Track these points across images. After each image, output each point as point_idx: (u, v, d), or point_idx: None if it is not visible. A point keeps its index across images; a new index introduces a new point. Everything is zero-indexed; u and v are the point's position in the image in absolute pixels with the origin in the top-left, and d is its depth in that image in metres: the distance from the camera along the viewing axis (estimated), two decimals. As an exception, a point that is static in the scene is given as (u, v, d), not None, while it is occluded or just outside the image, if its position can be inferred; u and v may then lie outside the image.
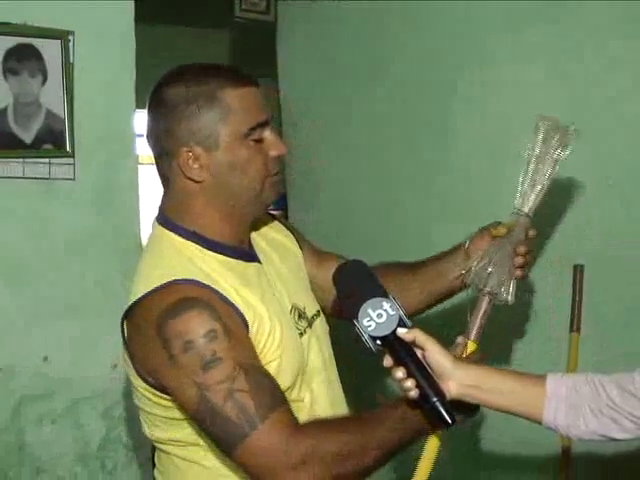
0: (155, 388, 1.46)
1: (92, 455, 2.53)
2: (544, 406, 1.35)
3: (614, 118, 2.23)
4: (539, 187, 1.64)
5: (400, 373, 1.33)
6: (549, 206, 2.34)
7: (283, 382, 1.48)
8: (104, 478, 2.56)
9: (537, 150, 1.64)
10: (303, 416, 1.51)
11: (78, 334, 2.49)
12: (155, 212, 1.61)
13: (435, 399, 1.31)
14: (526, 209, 1.65)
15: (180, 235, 1.52)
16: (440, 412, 1.31)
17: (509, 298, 1.61)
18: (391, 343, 1.34)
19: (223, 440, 1.39)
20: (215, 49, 4.48)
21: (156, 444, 1.59)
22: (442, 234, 2.68)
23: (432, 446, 1.51)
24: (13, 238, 2.41)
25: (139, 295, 1.44)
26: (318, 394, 1.61)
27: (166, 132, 1.50)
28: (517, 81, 2.42)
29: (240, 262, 1.55)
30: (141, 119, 2.84)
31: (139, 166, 2.73)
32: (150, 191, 4.82)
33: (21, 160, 2.39)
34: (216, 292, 1.42)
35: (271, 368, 1.47)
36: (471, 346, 1.58)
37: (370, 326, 1.34)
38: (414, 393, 1.32)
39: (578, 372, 2.18)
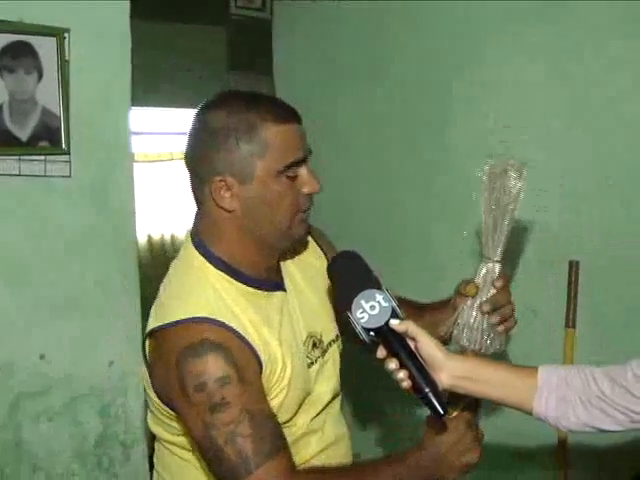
0: (167, 406, 1.50)
1: (89, 452, 2.54)
2: (535, 397, 1.36)
3: (614, 118, 2.23)
4: (504, 231, 1.56)
5: (393, 364, 1.34)
6: (549, 206, 2.36)
7: (283, 415, 1.52)
8: (101, 475, 2.56)
9: (492, 197, 1.55)
10: (295, 437, 1.55)
11: (75, 332, 2.49)
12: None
13: (427, 389, 1.31)
14: (496, 256, 1.58)
15: (210, 262, 1.54)
16: (432, 402, 1.31)
17: (497, 348, 1.58)
18: (384, 334, 1.35)
19: (221, 476, 1.44)
20: (211, 46, 4.46)
21: (160, 440, 1.63)
22: (441, 234, 2.70)
23: None
24: (9, 236, 2.40)
25: (166, 321, 1.47)
26: (316, 418, 1.63)
27: (203, 157, 1.51)
28: (517, 81, 2.43)
29: (264, 293, 1.56)
30: (137, 116, 2.83)
31: (135, 164, 2.72)
32: (145, 189, 4.84)
33: (17, 157, 2.38)
34: (236, 333, 1.45)
35: (274, 402, 1.50)
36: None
37: (363, 318, 1.34)
38: (406, 384, 1.33)
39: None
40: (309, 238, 1.78)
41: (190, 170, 1.56)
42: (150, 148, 5.15)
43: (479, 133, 2.53)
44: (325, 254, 1.78)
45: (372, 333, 1.35)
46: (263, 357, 1.47)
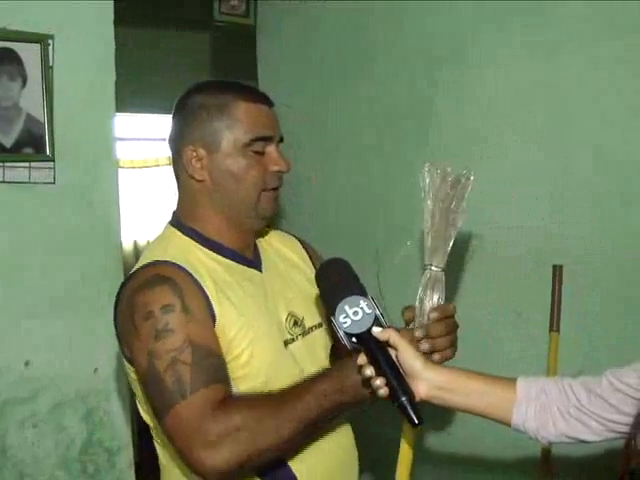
0: (127, 359, 1.57)
1: (74, 459, 2.53)
2: (513, 409, 1.36)
3: (609, 118, 2.22)
4: (450, 237, 1.55)
5: (369, 371, 1.34)
6: (537, 209, 2.36)
7: (254, 381, 1.56)
8: (86, 482, 2.55)
9: (436, 202, 1.55)
10: None
11: (60, 337, 2.49)
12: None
13: (404, 399, 1.30)
14: (441, 264, 1.56)
15: (182, 232, 1.66)
16: (408, 412, 1.30)
17: None
18: (366, 341, 1.35)
19: (157, 407, 1.48)
20: (195, 52, 4.47)
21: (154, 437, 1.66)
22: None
23: (405, 453, 1.55)
24: (-5, 242, 2.40)
25: (130, 275, 1.58)
26: None
27: (179, 132, 1.66)
28: (505, 81, 2.43)
29: (236, 264, 1.64)
30: (121, 122, 2.83)
31: (120, 170, 2.72)
32: (130, 195, 4.83)
33: (1, 164, 2.38)
34: (190, 276, 1.53)
35: (238, 361, 1.54)
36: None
37: (345, 323, 1.35)
38: (383, 392, 1.33)
39: (560, 372, 2.20)
40: (298, 244, 1.87)
41: (170, 148, 1.70)
42: (135, 154, 5.15)
43: (466, 133, 2.53)
44: (311, 259, 1.85)
45: (354, 339, 1.36)
46: (217, 307, 1.53)
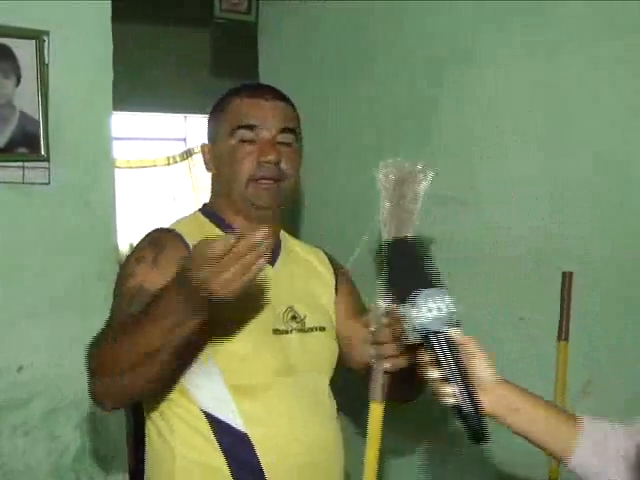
0: None
1: (67, 467, 2.48)
2: (577, 446, 1.26)
3: (609, 118, 2.20)
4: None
5: (436, 374, 1.24)
6: (542, 212, 2.34)
7: (231, 355, 1.60)
8: (79, 491, 2.52)
9: (393, 203, 1.45)
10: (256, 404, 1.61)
11: (55, 341, 2.46)
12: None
13: (473, 413, 1.21)
14: None
15: (203, 214, 1.80)
16: (475, 428, 1.21)
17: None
18: (438, 340, 1.23)
19: None
20: (196, 49, 4.46)
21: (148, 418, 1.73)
22: (427, 235, 2.67)
23: (375, 415, 1.45)
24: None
25: None
26: (282, 390, 1.65)
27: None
28: (507, 82, 2.41)
29: None
30: (119, 121, 2.80)
31: (116, 170, 2.69)
32: (127, 196, 4.80)
33: (-6, 164, 2.35)
34: (187, 246, 1.61)
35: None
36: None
37: (424, 317, 1.22)
38: (453, 401, 1.23)
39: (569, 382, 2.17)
40: (326, 258, 1.92)
41: None
42: (133, 154, 5.11)
43: (466, 133, 2.52)
44: (335, 272, 1.90)
45: (417, 334, 1.24)
46: None
